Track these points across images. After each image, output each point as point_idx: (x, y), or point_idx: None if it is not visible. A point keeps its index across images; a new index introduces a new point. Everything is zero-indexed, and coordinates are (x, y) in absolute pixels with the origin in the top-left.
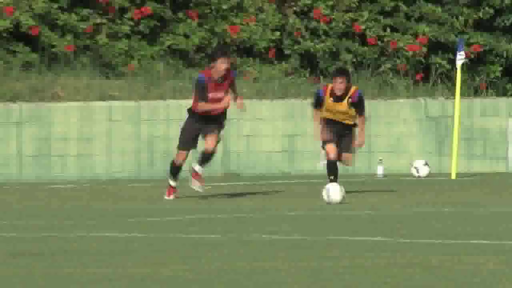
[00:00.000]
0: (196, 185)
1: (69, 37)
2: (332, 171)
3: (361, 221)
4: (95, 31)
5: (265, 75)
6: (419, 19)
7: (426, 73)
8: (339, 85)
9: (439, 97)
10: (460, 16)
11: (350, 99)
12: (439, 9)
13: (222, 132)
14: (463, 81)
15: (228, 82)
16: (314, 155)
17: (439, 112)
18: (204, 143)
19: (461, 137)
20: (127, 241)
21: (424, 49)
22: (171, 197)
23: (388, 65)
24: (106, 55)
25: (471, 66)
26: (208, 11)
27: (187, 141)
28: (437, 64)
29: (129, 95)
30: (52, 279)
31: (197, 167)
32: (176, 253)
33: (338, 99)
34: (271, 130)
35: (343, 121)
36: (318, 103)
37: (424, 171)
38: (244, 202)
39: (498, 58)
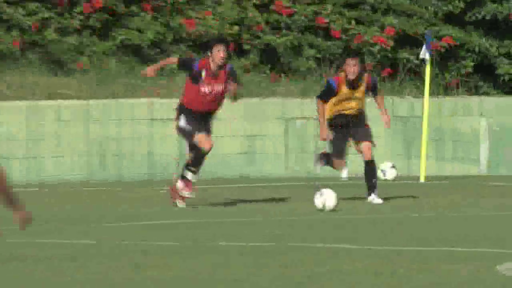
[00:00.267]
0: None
1: (15, 32)
2: (327, 164)
3: (333, 227)
4: (43, 26)
5: None
6: (386, 11)
7: (393, 70)
8: (352, 67)
9: (407, 96)
10: (430, 7)
11: (366, 85)
12: (407, 0)
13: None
14: (432, 78)
15: (224, 77)
16: (275, 157)
17: (407, 111)
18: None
19: (431, 138)
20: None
21: (391, 42)
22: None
23: None
24: (55, 52)
25: (441, 62)
26: (163, 4)
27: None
28: (404, 60)
29: (79, 94)
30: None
31: (189, 175)
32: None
33: (352, 87)
34: (229, 130)
35: (352, 114)
36: (329, 95)
37: (391, 174)
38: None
39: (469, 53)
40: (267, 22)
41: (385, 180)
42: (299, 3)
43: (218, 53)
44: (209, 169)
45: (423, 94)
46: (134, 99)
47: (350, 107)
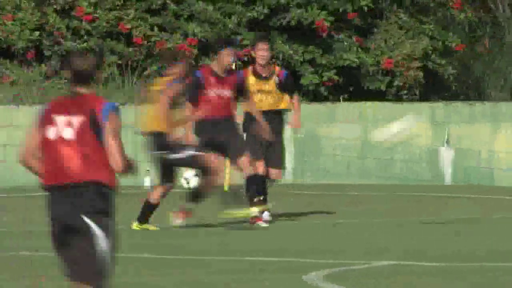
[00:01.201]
0: None
1: None
2: (259, 190)
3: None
4: None
5: (24, 79)
6: (189, 18)
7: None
8: (262, 52)
9: None
10: (233, 16)
11: (277, 78)
12: (210, 7)
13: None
14: None
15: (233, 80)
16: None
17: None
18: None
19: None
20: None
21: (195, 51)
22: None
23: (155, 68)
24: None
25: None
26: None
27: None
28: None
29: None
30: None
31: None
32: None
33: (262, 77)
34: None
35: (273, 109)
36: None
37: (194, 182)
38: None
39: (274, 60)
40: (68, 28)
41: (189, 188)
42: (101, 8)
43: (227, 58)
44: (9, 177)
45: None
46: None
47: (265, 104)
